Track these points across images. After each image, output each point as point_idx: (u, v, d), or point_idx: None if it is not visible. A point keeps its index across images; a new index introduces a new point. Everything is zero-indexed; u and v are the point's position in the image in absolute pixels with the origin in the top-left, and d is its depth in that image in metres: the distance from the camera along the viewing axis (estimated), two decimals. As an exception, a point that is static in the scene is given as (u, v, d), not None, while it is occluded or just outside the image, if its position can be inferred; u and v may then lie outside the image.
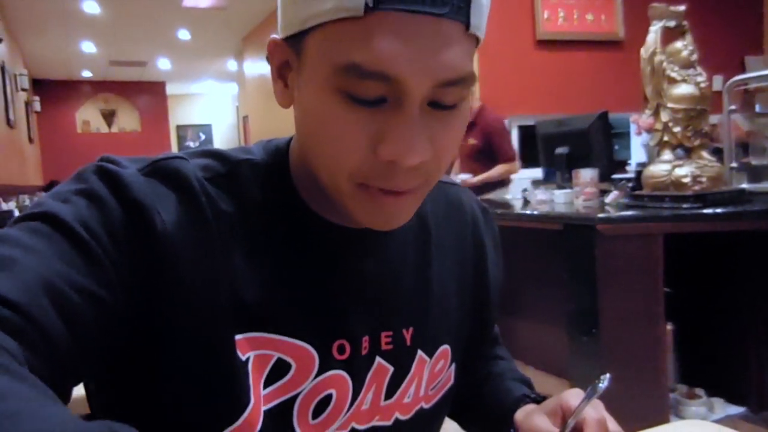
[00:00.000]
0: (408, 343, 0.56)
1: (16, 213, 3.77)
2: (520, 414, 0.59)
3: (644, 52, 1.83)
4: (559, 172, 2.76)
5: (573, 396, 0.54)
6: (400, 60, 0.40)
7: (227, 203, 0.49)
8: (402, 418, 0.58)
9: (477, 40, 0.45)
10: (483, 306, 0.65)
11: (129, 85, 10.11)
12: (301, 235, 0.51)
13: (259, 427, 0.48)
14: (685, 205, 1.83)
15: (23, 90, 7.07)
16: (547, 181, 2.95)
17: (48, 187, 6.84)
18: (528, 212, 2.40)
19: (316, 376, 0.51)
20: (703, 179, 1.81)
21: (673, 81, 1.80)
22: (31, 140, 7.82)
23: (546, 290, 2.48)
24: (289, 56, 0.47)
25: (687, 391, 2.04)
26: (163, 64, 9.15)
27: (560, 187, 2.64)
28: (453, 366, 0.62)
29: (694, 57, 1.83)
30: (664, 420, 1.84)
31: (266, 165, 0.53)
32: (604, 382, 0.52)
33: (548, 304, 2.49)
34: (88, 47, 8.00)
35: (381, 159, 0.43)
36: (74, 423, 0.28)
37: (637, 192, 2.07)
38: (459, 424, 0.71)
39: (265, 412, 0.49)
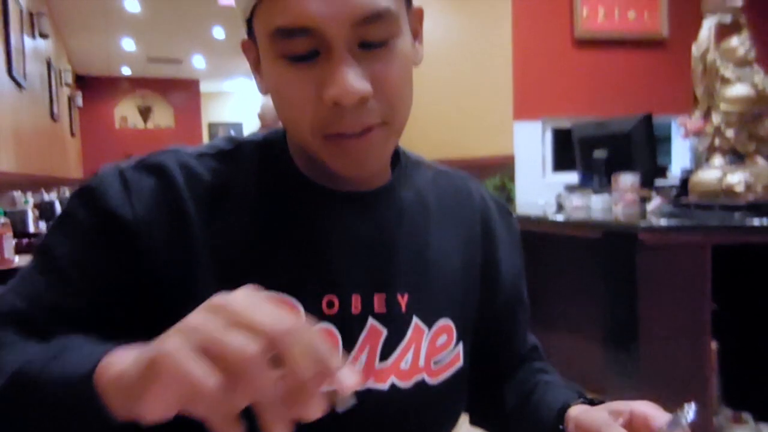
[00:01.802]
0: (403, 309, 0.57)
1: (57, 204, 3.89)
2: (574, 410, 0.56)
3: (696, 50, 1.70)
4: (596, 177, 2.64)
5: (649, 407, 0.50)
6: (313, 11, 0.46)
7: (223, 175, 0.56)
8: (400, 385, 0.57)
9: None
10: (493, 293, 0.66)
11: (165, 82, 10.28)
12: (294, 199, 0.56)
13: None
14: (737, 215, 1.70)
15: (67, 85, 7.26)
16: (583, 186, 2.83)
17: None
18: (564, 219, 2.29)
19: None
20: (758, 187, 1.68)
21: (727, 81, 1.67)
22: (72, 134, 8.02)
23: (581, 301, 2.36)
24: (254, 49, 0.54)
25: (732, 415, 1.91)
26: (198, 61, 9.28)
27: (597, 193, 2.52)
28: (461, 345, 0.62)
29: (752, 55, 1.70)
30: (707, 446, 1.72)
31: (267, 142, 0.60)
32: (690, 413, 0.44)
33: (583, 315, 2.38)
34: (128, 44, 8.17)
35: (327, 104, 0.48)
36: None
37: (683, 200, 1.95)
38: None
39: None
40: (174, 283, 0.51)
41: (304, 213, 0.56)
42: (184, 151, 0.57)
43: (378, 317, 0.56)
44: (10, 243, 2.04)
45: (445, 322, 0.60)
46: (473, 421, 0.71)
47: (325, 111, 0.49)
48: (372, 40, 0.48)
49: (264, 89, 0.55)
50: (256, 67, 0.55)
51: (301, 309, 0.53)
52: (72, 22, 6.99)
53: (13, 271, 1.87)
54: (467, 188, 0.67)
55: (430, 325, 0.59)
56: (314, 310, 0.53)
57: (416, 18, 0.56)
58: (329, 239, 0.56)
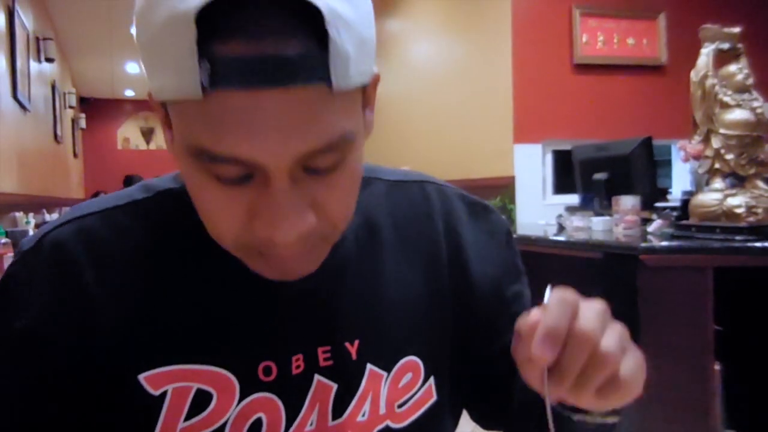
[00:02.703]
0: (353, 357, 0.53)
1: None
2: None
3: (695, 76, 1.74)
4: (597, 199, 2.65)
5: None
6: (249, 143, 0.37)
7: (132, 235, 0.50)
8: None
9: (362, 86, 0.41)
10: (467, 307, 0.59)
11: (168, 104, 10.38)
12: (218, 258, 0.48)
13: None
14: (738, 237, 1.71)
15: (71, 107, 7.32)
16: (583, 207, 2.84)
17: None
18: (564, 239, 2.30)
19: (240, 401, 0.49)
20: (759, 210, 1.70)
21: (726, 106, 1.70)
22: (75, 155, 8.06)
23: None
24: (162, 114, 0.44)
25: (737, 438, 1.89)
26: (201, 84, 9.37)
27: (598, 214, 2.53)
28: (431, 380, 0.56)
29: (750, 81, 1.73)
30: (712, 469, 1.70)
31: (184, 192, 0.48)
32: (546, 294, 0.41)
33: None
34: (132, 68, 8.26)
35: (257, 235, 0.41)
36: None
37: (684, 222, 1.96)
38: None
39: None
40: (93, 376, 0.48)
41: (229, 272, 0.49)
42: (89, 209, 0.51)
43: (324, 372, 0.52)
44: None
45: (408, 360, 0.55)
46: (488, 427, 0.67)
47: (253, 236, 0.42)
48: (320, 167, 0.40)
49: (176, 160, 0.45)
50: (166, 125, 0.45)
51: (236, 381, 0.49)
52: (78, 46, 7.08)
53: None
54: (424, 195, 0.60)
55: (389, 367, 0.54)
56: (250, 380, 0.49)
57: (372, 86, 0.46)
58: (261, 299, 0.50)
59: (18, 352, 0.48)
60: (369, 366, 0.53)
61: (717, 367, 1.82)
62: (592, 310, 0.40)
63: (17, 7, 3.78)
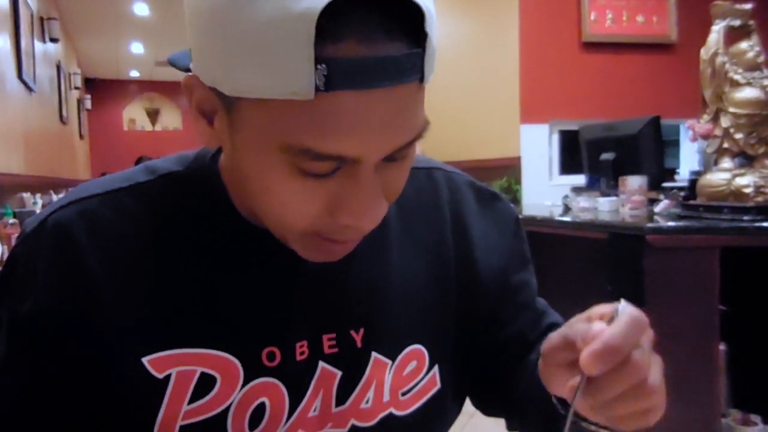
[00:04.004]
0: (359, 345, 0.53)
1: None
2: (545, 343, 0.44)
3: (704, 53, 1.71)
4: (604, 179, 2.63)
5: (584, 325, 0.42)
6: (356, 141, 0.38)
7: (136, 216, 0.50)
8: (362, 425, 0.54)
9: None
10: (473, 296, 0.59)
11: (173, 84, 10.32)
12: (226, 241, 0.50)
13: None
14: (746, 217, 1.70)
15: (76, 88, 7.32)
16: (590, 188, 2.82)
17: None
18: (569, 219, 2.29)
19: (243, 386, 0.50)
20: (767, 190, 1.68)
21: (736, 84, 1.67)
22: (81, 136, 8.08)
23: (587, 302, 2.35)
24: (215, 104, 0.43)
25: (741, 417, 1.90)
26: (207, 64, 9.33)
27: (604, 195, 2.52)
28: (436, 368, 0.57)
29: (761, 58, 1.69)
30: (715, 448, 1.71)
31: (191, 175, 0.52)
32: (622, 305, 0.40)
33: (590, 317, 2.37)
34: (137, 48, 8.22)
35: (337, 223, 0.42)
36: None
37: (691, 202, 1.95)
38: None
39: (183, 427, 0.48)
40: (97, 359, 0.48)
41: (235, 256, 0.50)
42: (92, 191, 0.51)
43: (329, 359, 0.52)
44: (21, 243, 2.06)
45: (413, 348, 0.55)
46: (489, 414, 0.67)
47: (329, 224, 0.43)
48: (399, 156, 0.42)
49: (214, 144, 0.46)
50: (202, 111, 0.44)
51: (239, 366, 0.49)
52: (82, 27, 7.05)
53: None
54: (432, 182, 0.60)
55: (394, 355, 0.55)
56: (254, 365, 0.50)
57: None
58: (266, 284, 0.51)
59: (22, 335, 0.48)
60: (374, 354, 0.54)
61: (722, 347, 1.82)
62: (649, 341, 0.40)
63: (20, -13, 3.76)
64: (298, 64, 0.35)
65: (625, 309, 0.39)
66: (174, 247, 0.50)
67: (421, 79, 0.39)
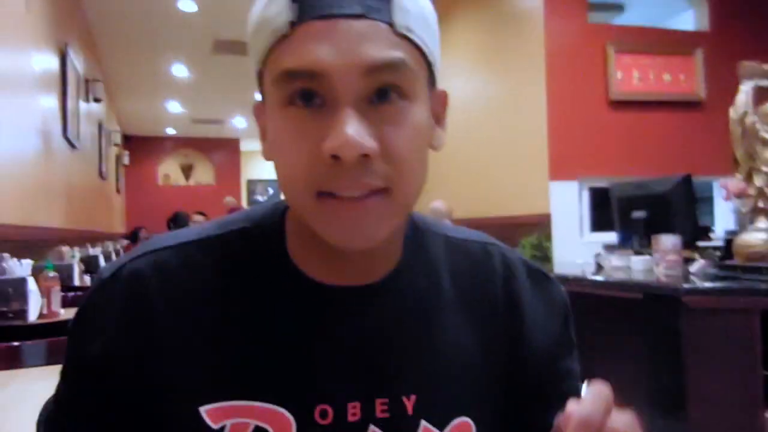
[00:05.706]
0: (409, 411, 0.53)
1: (101, 259, 4.05)
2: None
3: (734, 113, 1.71)
4: (636, 237, 2.60)
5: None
6: (322, 56, 0.44)
7: (203, 270, 0.52)
8: None
9: (420, 51, 0.48)
10: (522, 375, 0.59)
11: (206, 141, 10.70)
12: (286, 296, 0.52)
13: None
14: (785, 279, 1.65)
15: (115, 145, 7.63)
16: (622, 246, 2.79)
17: (131, 235, 7.19)
18: (603, 279, 2.25)
19: None
20: (807, 251, 1.64)
21: (767, 143, 1.66)
22: (118, 191, 8.34)
23: (623, 364, 2.28)
24: (263, 111, 0.52)
25: (792, 492, 1.78)
26: (239, 121, 9.65)
27: (637, 253, 2.48)
28: None
29: (792, 118, 1.69)
30: None
31: (259, 228, 0.55)
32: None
33: (625, 379, 2.29)
34: (174, 107, 8.59)
35: (325, 157, 0.45)
36: None
37: (728, 262, 1.90)
38: None
39: None
40: (156, 405, 0.50)
41: (295, 312, 0.52)
42: (166, 243, 0.54)
43: (380, 423, 0.52)
44: (57, 296, 2.11)
45: (461, 420, 0.55)
46: None
47: (322, 166, 0.45)
48: (382, 87, 0.45)
49: (267, 152, 0.52)
50: (263, 134, 0.53)
51: (293, 421, 0.50)
52: (123, 87, 7.44)
53: (60, 323, 1.93)
54: (486, 256, 0.61)
55: (443, 426, 0.54)
56: (307, 421, 0.50)
57: (439, 101, 0.53)
58: (324, 341, 0.52)
59: (88, 375, 0.51)
60: (423, 422, 0.53)
61: (767, 414, 1.74)
62: (624, 413, 0.42)
63: (69, 51, 4.00)
64: (279, 11, 0.46)
65: (587, 387, 0.42)
66: (235, 301, 0.52)
67: (392, 24, 0.45)
